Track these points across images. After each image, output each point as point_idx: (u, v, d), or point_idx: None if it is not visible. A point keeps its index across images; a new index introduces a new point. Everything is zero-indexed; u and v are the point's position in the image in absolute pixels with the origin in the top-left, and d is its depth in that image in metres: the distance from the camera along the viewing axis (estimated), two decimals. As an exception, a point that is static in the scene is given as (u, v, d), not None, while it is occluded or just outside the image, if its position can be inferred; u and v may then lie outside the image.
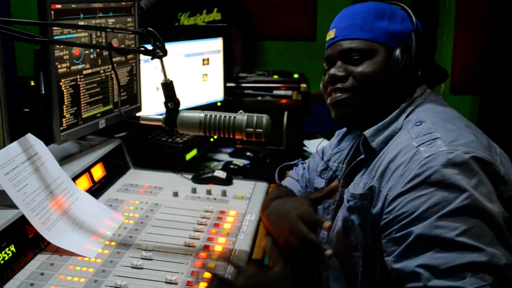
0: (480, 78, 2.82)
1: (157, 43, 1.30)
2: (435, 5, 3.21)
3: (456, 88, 3.00)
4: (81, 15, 1.64)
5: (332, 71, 1.32)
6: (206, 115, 1.30)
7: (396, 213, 1.12)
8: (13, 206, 1.29)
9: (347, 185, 1.34)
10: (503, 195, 1.12)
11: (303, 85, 3.03)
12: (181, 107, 1.34)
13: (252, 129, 1.28)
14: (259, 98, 2.99)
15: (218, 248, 1.42)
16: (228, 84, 2.74)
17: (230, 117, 1.29)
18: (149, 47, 1.33)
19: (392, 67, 1.28)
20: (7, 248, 1.22)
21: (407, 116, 1.28)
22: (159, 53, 1.29)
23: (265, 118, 1.29)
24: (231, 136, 1.30)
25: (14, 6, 4.40)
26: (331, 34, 1.36)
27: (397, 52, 1.27)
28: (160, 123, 1.34)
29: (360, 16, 1.32)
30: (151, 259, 1.33)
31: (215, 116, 1.30)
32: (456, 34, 2.98)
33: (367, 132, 1.29)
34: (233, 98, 2.86)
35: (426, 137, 1.16)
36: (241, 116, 1.29)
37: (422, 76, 1.34)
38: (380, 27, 1.30)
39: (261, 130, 1.28)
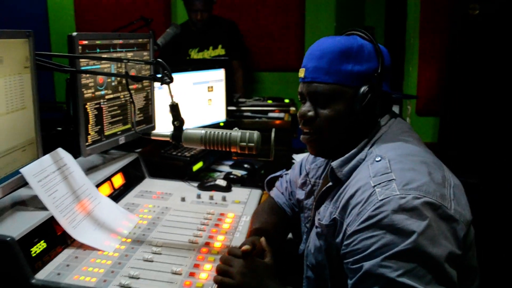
0: (439, 102, 2.82)
1: (165, 71, 1.31)
2: (402, 42, 3.24)
3: (420, 111, 3.01)
4: (104, 50, 1.66)
5: (303, 110, 1.24)
6: (206, 131, 1.30)
7: (352, 247, 1.06)
8: (44, 208, 1.28)
9: (318, 207, 1.29)
10: (457, 233, 1.05)
11: (292, 108, 3.03)
12: (189, 127, 1.33)
13: (245, 143, 1.28)
14: (257, 119, 2.99)
15: (217, 244, 1.41)
16: (229, 108, 2.74)
17: (226, 133, 1.29)
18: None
19: (356, 106, 1.18)
20: (39, 243, 1.21)
21: (370, 147, 1.20)
22: (166, 79, 1.30)
23: (256, 134, 1.29)
24: (227, 149, 1.30)
25: (54, 43, 4.45)
26: (301, 73, 1.25)
27: (361, 91, 1.17)
28: (168, 139, 1.34)
29: (326, 58, 1.20)
30: (160, 254, 1.32)
31: (214, 132, 1.30)
32: (420, 66, 2.99)
33: (334, 164, 1.21)
34: (234, 120, 2.85)
35: (383, 178, 1.08)
36: (236, 133, 1.29)
37: (387, 105, 1.26)
38: (345, 70, 1.18)
39: (253, 144, 1.28)
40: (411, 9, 3.12)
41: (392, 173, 1.08)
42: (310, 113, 1.23)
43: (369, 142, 1.21)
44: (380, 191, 1.06)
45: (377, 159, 1.14)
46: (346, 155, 1.21)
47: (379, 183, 1.08)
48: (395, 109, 1.33)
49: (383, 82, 1.20)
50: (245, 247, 1.23)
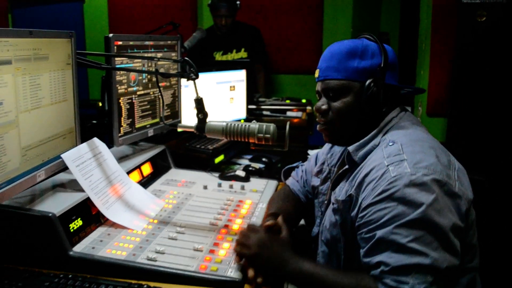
0: (448, 104, 2.84)
1: (192, 69, 1.38)
2: (415, 47, 3.26)
3: (431, 112, 3.02)
4: (136, 50, 1.74)
5: (318, 104, 1.33)
6: (227, 123, 1.36)
7: (366, 218, 1.14)
8: (81, 190, 1.36)
9: (334, 188, 1.36)
10: (460, 209, 1.12)
11: (308, 108, 3.08)
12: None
13: (262, 135, 1.33)
14: (275, 118, 3.04)
15: (235, 227, 1.46)
16: (249, 106, 2.80)
17: (245, 125, 1.35)
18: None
19: (363, 98, 1.26)
20: (76, 221, 1.29)
21: (383, 135, 1.27)
22: (192, 76, 1.37)
23: (272, 126, 1.34)
24: (246, 140, 1.35)
25: (89, 45, 4.59)
26: (316, 74, 1.35)
27: (366, 85, 1.25)
28: (192, 130, 1.40)
29: (336, 58, 1.29)
30: (183, 233, 1.38)
31: (234, 124, 1.36)
32: (431, 69, 3.01)
33: (350, 148, 1.29)
34: (254, 117, 2.90)
35: (395, 158, 1.16)
36: (254, 125, 1.35)
37: (397, 98, 1.34)
38: (352, 67, 1.27)
39: (269, 135, 1.33)
40: (423, 16, 3.14)
41: (404, 155, 1.16)
42: (324, 107, 1.32)
43: (382, 130, 1.28)
44: (393, 169, 1.13)
45: (390, 144, 1.22)
46: (361, 141, 1.28)
47: (392, 163, 1.15)
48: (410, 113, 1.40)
49: (389, 76, 1.28)
50: (269, 222, 1.37)
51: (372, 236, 1.10)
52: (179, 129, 1.45)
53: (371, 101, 1.26)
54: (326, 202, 1.45)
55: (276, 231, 1.38)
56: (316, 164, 1.61)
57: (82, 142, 1.48)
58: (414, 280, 1.02)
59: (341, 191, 1.30)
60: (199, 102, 1.37)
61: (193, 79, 1.37)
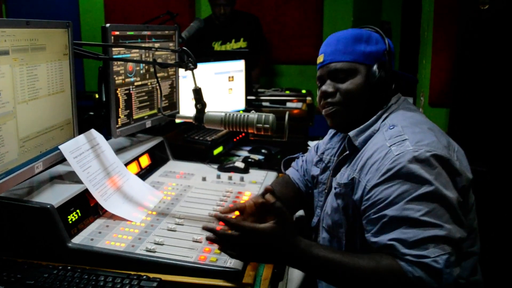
0: (450, 94, 2.85)
1: (190, 58, 1.39)
2: (417, 36, 3.26)
3: (433, 102, 3.03)
4: (134, 40, 1.75)
5: (324, 88, 1.36)
6: (226, 113, 1.38)
7: (373, 199, 1.16)
8: (79, 182, 1.37)
9: (335, 175, 1.38)
10: (457, 185, 1.16)
11: (308, 98, 3.09)
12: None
13: (261, 125, 1.35)
14: (275, 109, 3.05)
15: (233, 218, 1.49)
16: (249, 97, 2.80)
17: (244, 115, 1.36)
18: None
19: (371, 81, 1.31)
20: (74, 212, 1.30)
21: (383, 120, 1.31)
22: (190, 66, 1.38)
23: (271, 116, 1.36)
24: (245, 130, 1.36)
25: (84, 35, 4.59)
26: (320, 59, 1.38)
27: (374, 68, 1.30)
28: (191, 120, 1.42)
29: (342, 42, 1.34)
30: (182, 225, 1.40)
31: (233, 114, 1.37)
32: (433, 59, 3.01)
33: (351, 133, 1.32)
34: (253, 108, 2.92)
35: (397, 139, 1.19)
36: (253, 115, 1.36)
37: (396, 85, 1.37)
38: (359, 50, 1.33)
39: (268, 126, 1.35)
40: (425, 4, 3.13)
41: (405, 135, 1.20)
42: (330, 89, 1.35)
43: (382, 115, 1.32)
44: (396, 148, 1.17)
45: (390, 127, 1.26)
46: (361, 126, 1.32)
47: (394, 143, 1.19)
48: (409, 101, 1.44)
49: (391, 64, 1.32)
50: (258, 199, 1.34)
51: (382, 216, 1.12)
52: (178, 120, 1.47)
53: (378, 85, 1.30)
54: (326, 191, 1.47)
55: (268, 210, 1.28)
56: (316, 153, 1.62)
57: (79, 134, 1.49)
58: (434, 252, 1.04)
59: (343, 176, 1.32)
60: (197, 92, 1.38)
61: (191, 69, 1.38)
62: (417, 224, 1.07)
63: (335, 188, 1.34)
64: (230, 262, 1.21)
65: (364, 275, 1.07)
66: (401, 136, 1.19)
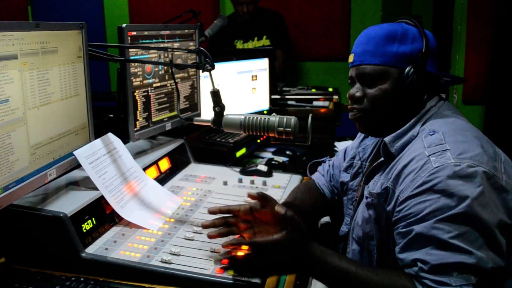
0: (486, 91, 2.72)
1: (207, 59, 1.33)
2: (450, 30, 3.13)
3: (467, 99, 2.90)
4: (152, 40, 1.70)
5: (352, 91, 1.29)
6: (245, 117, 1.31)
7: (404, 212, 1.09)
8: (95, 188, 1.33)
9: (367, 183, 1.30)
10: (507, 203, 1.06)
11: (335, 97, 3.00)
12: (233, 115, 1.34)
13: (282, 128, 1.27)
14: (301, 108, 2.97)
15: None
16: (273, 96, 2.74)
17: (265, 118, 1.29)
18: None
19: (402, 85, 1.21)
20: (89, 221, 1.27)
21: (422, 125, 1.22)
22: (207, 67, 1.32)
23: (293, 119, 1.28)
24: (266, 134, 1.30)
25: (109, 35, 4.60)
26: (350, 58, 1.31)
27: (406, 72, 1.20)
28: (209, 124, 1.36)
29: (373, 42, 1.24)
30: (201, 233, 1.34)
31: (253, 118, 1.30)
32: (467, 54, 2.88)
33: (387, 139, 1.23)
34: (278, 108, 2.86)
35: (437, 148, 1.10)
36: (274, 118, 1.29)
37: (436, 87, 1.28)
38: (390, 51, 1.22)
39: (290, 129, 1.27)
40: (458, -3, 3.01)
41: (447, 144, 1.10)
42: (358, 94, 1.27)
43: (420, 120, 1.23)
44: (435, 160, 1.08)
45: (430, 133, 1.17)
46: (398, 131, 1.23)
47: (434, 153, 1.10)
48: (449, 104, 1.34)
49: (429, 63, 1.23)
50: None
51: (410, 231, 1.05)
52: (195, 123, 1.40)
53: (410, 89, 1.21)
54: (357, 198, 1.40)
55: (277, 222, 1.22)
56: (345, 159, 1.55)
57: (97, 138, 1.45)
58: (456, 281, 0.97)
59: (376, 185, 1.24)
60: (215, 95, 1.32)
61: (208, 70, 1.32)
62: (445, 246, 1.00)
63: (366, 198, 1.26)
64: (249, 275, 1.15)
65: None
66: (442, 145, 1.10)
